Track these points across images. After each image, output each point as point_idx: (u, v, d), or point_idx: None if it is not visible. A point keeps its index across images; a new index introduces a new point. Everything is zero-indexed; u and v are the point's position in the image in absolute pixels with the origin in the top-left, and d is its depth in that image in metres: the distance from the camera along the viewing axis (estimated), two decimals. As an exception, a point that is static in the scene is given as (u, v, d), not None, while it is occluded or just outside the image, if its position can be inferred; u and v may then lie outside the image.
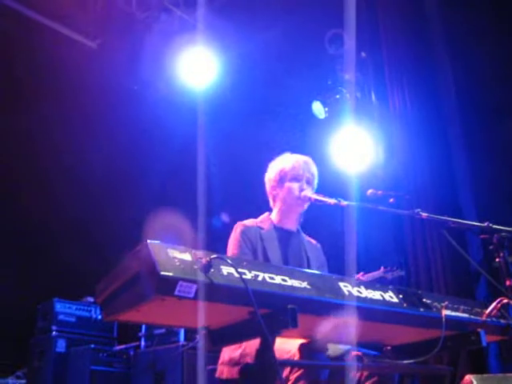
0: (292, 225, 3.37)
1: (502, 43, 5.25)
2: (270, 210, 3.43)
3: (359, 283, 2.35)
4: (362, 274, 4.79)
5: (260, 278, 2.05)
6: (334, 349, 2.71)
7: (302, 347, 2.60)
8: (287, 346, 2.63)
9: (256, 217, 3.39)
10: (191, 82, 7.35)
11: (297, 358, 2.59)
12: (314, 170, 3.38)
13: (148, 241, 1.91)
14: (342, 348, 2.81)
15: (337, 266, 3.57)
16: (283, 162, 3.38)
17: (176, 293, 1.84)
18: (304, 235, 3.45)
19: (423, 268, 5.57)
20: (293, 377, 2.58)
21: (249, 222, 3.27)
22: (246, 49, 6.75)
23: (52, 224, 7.02)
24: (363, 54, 6.62)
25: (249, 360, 2.72)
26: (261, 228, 3.23)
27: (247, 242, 3.12)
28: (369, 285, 2.38)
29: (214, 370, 3.02)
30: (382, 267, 4.53)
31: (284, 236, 3.28)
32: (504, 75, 5.24)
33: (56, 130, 7.01)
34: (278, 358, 2.56)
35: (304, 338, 2.61)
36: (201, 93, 7.47)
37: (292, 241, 3.31)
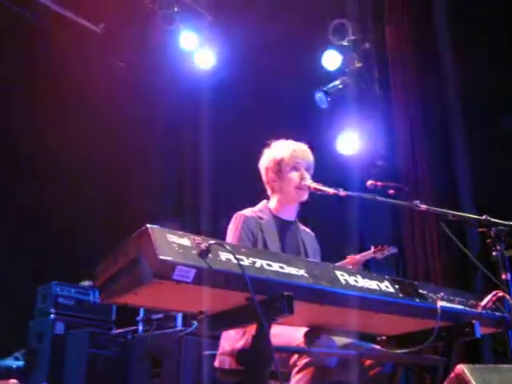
0: (290, 214, 3.34)
1: (505, 38, 5.26)
2: (268, 198, 3.40)
3: (356, 272, 2.37)
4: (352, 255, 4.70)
5: (257, 265, 2.08)
6: (336, 340, 2.74)
7: (307, 334, 2.62)
8: (297, 334, 2.65)
9: (251, 202, 3.36)
10: (193, 68, 7.37)
11: (303, 345, 2.62)
12: (311, 157, 3.34)
13: (148, 225, 1.93)
14: (343, 339, 2.84)
15: (329, 254, 3.59)
16: (281, 151, 3.31)
17: (174, 277, 1.87)
18: (300, 225, 3.43)
19: (421, 260, 5.60)
20: (300, 363, 2.60)
21: (248, 211, 3.23)
22: (247, 37, 6.73)
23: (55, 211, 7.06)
24: (367, 45, 6.61)
25: None
26: (260, 218, 3.19)
27: (248, 234, 3.08)
28: (365, 274, 2.40)
29: (211, 356, 3.04)
30: (373, 247, 4.46)
31: (283, 226, 3.26)
32: (506, 70, 5.25)
33: (61, 112, 7.03)
34: (283, 345, 2.60)
35: (305, 326, 2.63)
36: (202, 80, 7.49)
37: (290, 231, 3.29)
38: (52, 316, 5.91)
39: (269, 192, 3.40)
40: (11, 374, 5.65)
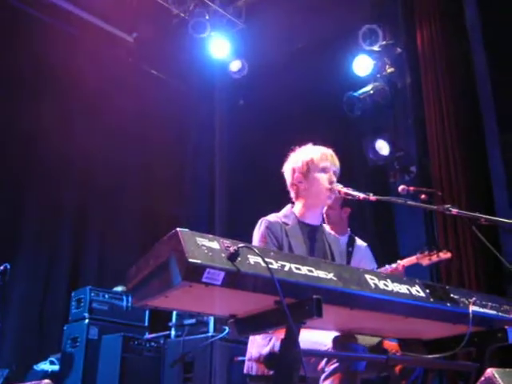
0: (316, 219, 3.28)
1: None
2: (292, 203, 3.33)
3: (386, 277, 2.36)
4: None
5: (286, 268, 2.08)
6: (364, 340, 2.73)
7: (335, 339, 2.61)
8: (324, 339, 2.64)
9: (277, 210, 3.30)
10: (224, 76, 7.42)
11: (331, 350, 2.60)
12: (338, 163, 3.28)
13: (178, 229, 1.95)
14: (372, 339, 2.83)
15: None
16: (311, 152, 3.26)
17: (203, 279, 1.88)
18: (326, 228, 3.39)
19: (454, 266, 5.53)
20: (329, 368, 2.59)
21: (272, 217, 3.18)
22: (278, 43, 6.76)
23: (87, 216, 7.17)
24: (398, 50, 6.58)
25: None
26: (285, 224, 3.15)
27: (273, 239, 3.06)
28: (395, 278, 2.38)
29: (242, 362, 3.05)
30: (418, 252, 4.29)
31: (308, 231, 3.21)
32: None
33: (91, 119, 7.15)
34: (312, 349, 2.60)
35: (334, 330, 2.63)
36: (233, 87, 7.53)
37: (316, 236, 3.24)
38: (86, 321, 5.98)
39: (292, 196, 3.32)
40: (47, 377, 5.73)
